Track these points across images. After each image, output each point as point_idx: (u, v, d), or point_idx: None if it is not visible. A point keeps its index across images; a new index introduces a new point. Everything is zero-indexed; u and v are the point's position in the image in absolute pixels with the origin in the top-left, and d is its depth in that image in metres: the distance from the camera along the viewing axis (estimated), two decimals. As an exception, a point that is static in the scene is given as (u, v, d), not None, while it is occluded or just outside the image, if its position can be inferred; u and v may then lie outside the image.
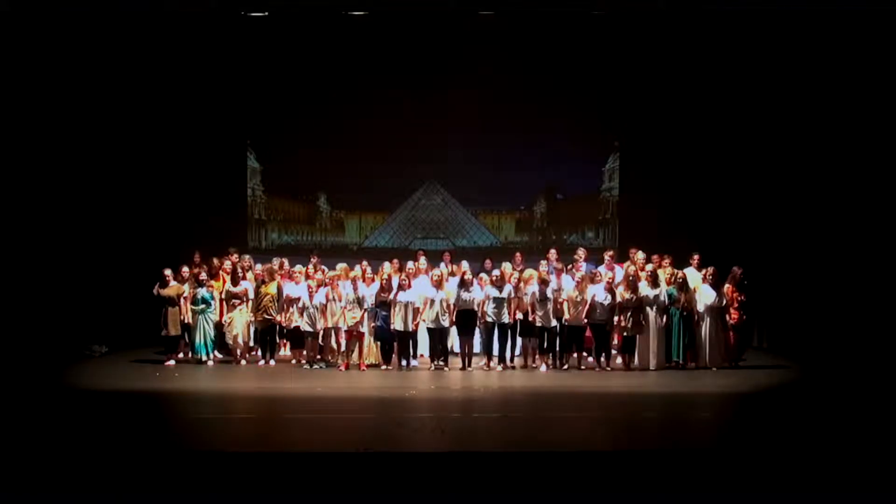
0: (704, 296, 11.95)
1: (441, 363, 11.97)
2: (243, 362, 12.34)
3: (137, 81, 13.91)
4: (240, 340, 12.30)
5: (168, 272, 12.16)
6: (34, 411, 9.03)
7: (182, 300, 12.13)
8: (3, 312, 12.35)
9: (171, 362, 12.10)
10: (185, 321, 12.17)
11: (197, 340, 12.20)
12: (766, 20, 12.79)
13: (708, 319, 11.91)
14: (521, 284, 11.91)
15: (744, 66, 13.75)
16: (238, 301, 12.25)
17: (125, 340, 13.26)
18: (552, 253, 12.93)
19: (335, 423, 8.60)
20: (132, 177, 14.06)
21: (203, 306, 12.13)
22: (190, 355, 12.37)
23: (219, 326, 12.36)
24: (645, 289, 11.86)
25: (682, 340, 11.86)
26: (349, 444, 7.58)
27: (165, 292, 12.08)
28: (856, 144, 13.02)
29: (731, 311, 12.01)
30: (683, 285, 11.92)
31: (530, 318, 11.80)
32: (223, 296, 12.39)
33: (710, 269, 12.03)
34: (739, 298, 12.05)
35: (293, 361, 12.38)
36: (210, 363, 12.20)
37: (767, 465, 7.13)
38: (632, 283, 11.81)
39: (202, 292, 12.17)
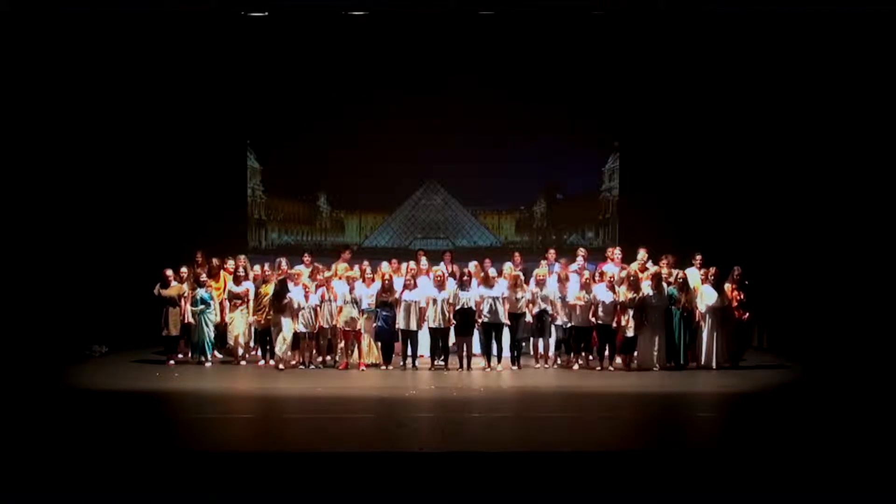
0: (706, 296, 11.94)
1: (441, 363, 11.97)
2: (243, 362, 12.36)
3: (137, 82, 13.92)
4: (241, 340, 12.32)
5: (169, 272, 12.19)
6: (34, 411, 9.02)
7: (182, 300, 12.15)
8: (3, 312, 12.34)
9: (172, 362, 12.11)
10: (186, 321, 12.18)
11: (196, 341, 12.21)
12: (766, 21, 12.78)
13: (709, 319, 11.91)
14: (538, 287, 11.95)
15: (744, 66, 13.76)
16: (240, 301, 12.27)
17: (125, 340, 13.26)
18: (551, 253, 12.97)
19: (335, 423, 8.59)
20: (132, 177, 14.08)
21: (202, 307, 12.13)
22: (190, 355, 12.37)
23: (218, 326, 12.37)
24: (647, 288, 11.86)
25: (682, 340, 11.85)
26: (349, 444, 7.59)
27: (167, 293, 12.09)
28: (856, 145, 13.02)
29: (732, 310, 12.01)
30: (684, 285, 11.91)
31: (549, 318, 11.82)
32: (226, 296, 12.40)
33: (712, 270, 12.02)
34: (739, 298, 12.05)
35: (292, 361, 12.36)
36: (210, 363, 12.21)
37: (767, 465, 7.13)
38: (633, 283, 11.81)
39: (201, 292, 12.17)
